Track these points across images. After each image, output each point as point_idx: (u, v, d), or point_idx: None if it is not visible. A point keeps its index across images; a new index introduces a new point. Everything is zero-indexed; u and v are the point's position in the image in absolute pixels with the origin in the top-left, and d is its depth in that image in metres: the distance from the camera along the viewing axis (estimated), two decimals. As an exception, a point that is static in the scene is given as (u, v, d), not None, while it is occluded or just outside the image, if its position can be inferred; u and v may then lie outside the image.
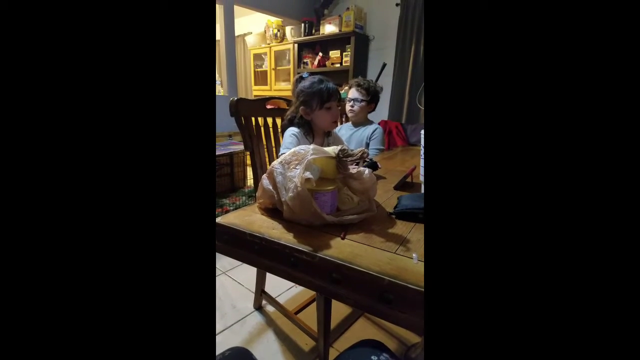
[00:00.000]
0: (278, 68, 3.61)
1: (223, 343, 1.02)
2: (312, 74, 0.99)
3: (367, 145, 1.40)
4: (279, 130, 1.16)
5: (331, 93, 0.95)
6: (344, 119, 1.60)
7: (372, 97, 1.38)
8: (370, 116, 1.48)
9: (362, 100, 1.36)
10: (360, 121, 1.43)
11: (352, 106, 1.38)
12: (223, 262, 1.50)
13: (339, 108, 0.98)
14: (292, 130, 0.99)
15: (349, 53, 2.91)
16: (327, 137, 1.05)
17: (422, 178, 0.70)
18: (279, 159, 0.54)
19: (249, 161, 2.25)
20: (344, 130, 1.45)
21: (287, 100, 1.21)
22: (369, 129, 1.40)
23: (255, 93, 3.97)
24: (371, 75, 3.01)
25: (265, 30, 3.67)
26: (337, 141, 1.09)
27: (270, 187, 0.57)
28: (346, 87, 2.95)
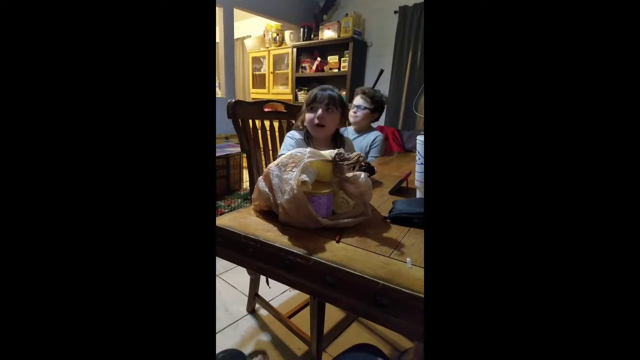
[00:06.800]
0: (276, 72, 3.63)
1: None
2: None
3: (367, 153, 1.41)
4: (276, 133, 1.16)
5: (322, 96, 0.94)
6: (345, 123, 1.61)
7: (376, 106, 1.41)
8: (368, 123, 1.50)
9: (365, 108, 1.39)
10: (363, 128, 1.46)
11: (355, 112, 1.41)
12: (216, 265, 1.48)
13: (334, 113, 0.97)
14: (290, 132, 1.02)
15: (347, 59, 2.93)
16: (339, 143, 1.05)
17: (417, 183, 0.70)
18: (276, 161, 0.54)
19: (245, 163, 2.24)
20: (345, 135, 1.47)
21: (285, 104, 1.21)
22: (371, 137, 1.42)
23: (253, 96, 3.97)
24: (368, 81, 3.03)
25: (264, 34, 3.69)
26: (350, 148, 1.09)
27: (266, 190, 0.57)
28: (343, 93, 2.97)
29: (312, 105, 0.96)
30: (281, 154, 0.97)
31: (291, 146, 0.97)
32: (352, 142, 1.42)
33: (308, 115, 0.97)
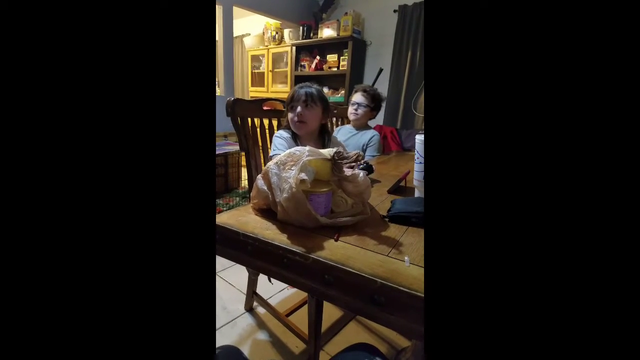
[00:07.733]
0: (275, 70, 3.62)
1: (213, 345, 1.01)
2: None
3: (364, 151, 1.42)
4: (275, 131, 1.16)
5: (298, 94, 0.95)
6: (340, 121, 1.61)
7: (375, 104, 1.43)
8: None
9: (366, 106, 1.40)
10: (362, 126, 1.47)
11: (355, 110, 1.42)
12: (215, 263, 1.48)
13: (314, 109, 0.97)
14: (278, 132, 1.02)
15: (346, 57, 2.93)
16: (327, 141, 1.05)
17: (416, 182, 0.70)
18: (274, 160, 0.54)
19: (243, 162, 2.25)
20: (343, 132, 1.47)
21: (284, 102, 1.21)
22: (367, 135, 1.43)
23: (252, 94, 3.96)
24: (367, 80, 3.03)
25: (263, 32, 3.68)
26: (335, 144, 1.09)
27: (265, 188, 0.57)
28: (342, 92, 2.97)
29: (291, 104, 0.97)
30: (273, 155, 0.98)
31: (281, 145, 0.97)
32: (349, 140, 1.43)
33: (289, 115, 0.98)
